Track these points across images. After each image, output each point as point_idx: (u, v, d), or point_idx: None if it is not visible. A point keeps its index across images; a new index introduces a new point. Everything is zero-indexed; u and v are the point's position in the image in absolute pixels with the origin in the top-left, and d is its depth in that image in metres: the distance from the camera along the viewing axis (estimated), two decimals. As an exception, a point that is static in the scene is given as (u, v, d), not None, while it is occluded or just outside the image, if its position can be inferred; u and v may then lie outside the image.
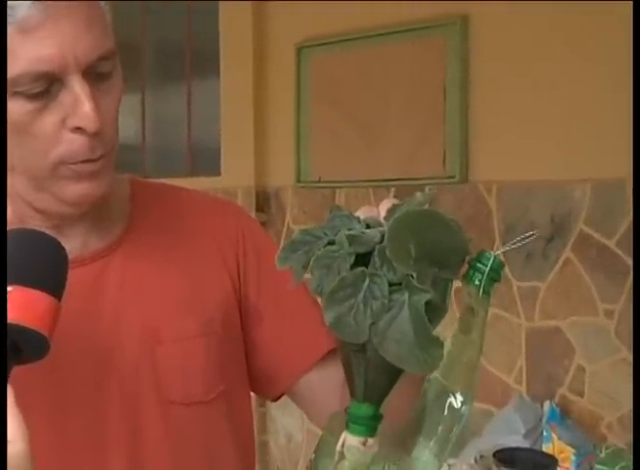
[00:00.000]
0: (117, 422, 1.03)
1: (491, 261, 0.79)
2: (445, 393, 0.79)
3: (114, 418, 1.03)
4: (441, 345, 0.72)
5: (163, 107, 4.12)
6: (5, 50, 0.91)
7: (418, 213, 0.72)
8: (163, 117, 4.16)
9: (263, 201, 3.62)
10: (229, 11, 3.67)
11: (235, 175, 3.66)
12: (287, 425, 3.59)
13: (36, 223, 1.00)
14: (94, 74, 0.95)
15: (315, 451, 0.84)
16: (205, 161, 3.86)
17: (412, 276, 0.70)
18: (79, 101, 0.93)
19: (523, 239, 0.81)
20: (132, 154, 4.09)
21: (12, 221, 1.00)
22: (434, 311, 0.73)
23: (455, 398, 0.79)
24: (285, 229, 3.55)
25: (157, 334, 1.05)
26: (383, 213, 0.81)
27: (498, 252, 0.79)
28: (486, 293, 0.79)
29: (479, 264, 0.79)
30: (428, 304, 0.71)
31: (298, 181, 3.51)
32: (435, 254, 0.71)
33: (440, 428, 0.80)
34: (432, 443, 0.80)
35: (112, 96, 0.98)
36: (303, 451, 3.53)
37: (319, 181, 3.44)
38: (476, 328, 0.80)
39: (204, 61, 3.87)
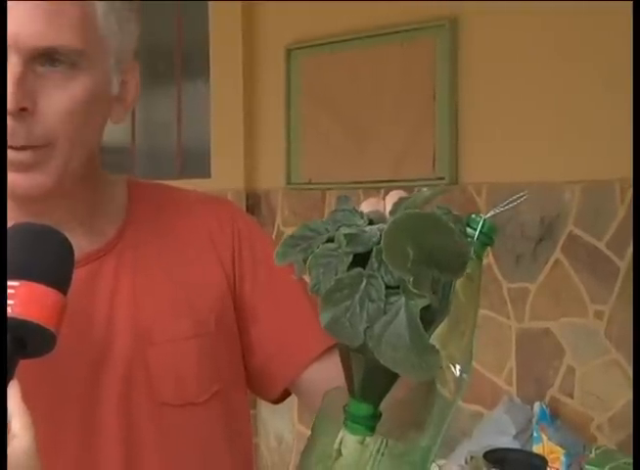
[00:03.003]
0: (111, 423, 1.03)
1: (481, 225, 0.77)
2: (444, 363, 0.77)
3: (108, 419, 1.02)
4: (437, 352, 0.69)
5: (153, 109, 4.10)
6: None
7: (416, 216, 0.69)
8: (153, 119, 4.14)
9: (253, 203, 3.62)
10: (219, 13, 3.67)
11: (225, 178, 3.65)
12: (277, 427, 3.58)
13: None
14: (46, 64, 0.95)
15: (312, 430, 0.83)
16: (195, 163, 3.85)
17: (408, 281, 0.68)
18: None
19: (513, 200, 0.79)
20: (122, 156, 4.08)
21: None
22: (434, 314, 0.71)
23: (454, 367, 0.78)
24: (275, 231, 3.54)
25: (149, 335, 1.05)
26: (389, 207, 0.79)
27: (488, 215, 0.78)
28: (478, 257, 0.77)
29: (468, 229, 0.77)
30: (427, 307, 0.69)
31: (289, 183, 3.50)
32: (435, 256, 0.69)
33: (440, 401, 0.79)
34: (431, 417, 0.79)
35: (68, 92, 0.97)
36: (294, 454, 3.52)
37: (309, 183, 3.44)
38: (470, 295, 0.78)
39: (193, 63, 3.86)
